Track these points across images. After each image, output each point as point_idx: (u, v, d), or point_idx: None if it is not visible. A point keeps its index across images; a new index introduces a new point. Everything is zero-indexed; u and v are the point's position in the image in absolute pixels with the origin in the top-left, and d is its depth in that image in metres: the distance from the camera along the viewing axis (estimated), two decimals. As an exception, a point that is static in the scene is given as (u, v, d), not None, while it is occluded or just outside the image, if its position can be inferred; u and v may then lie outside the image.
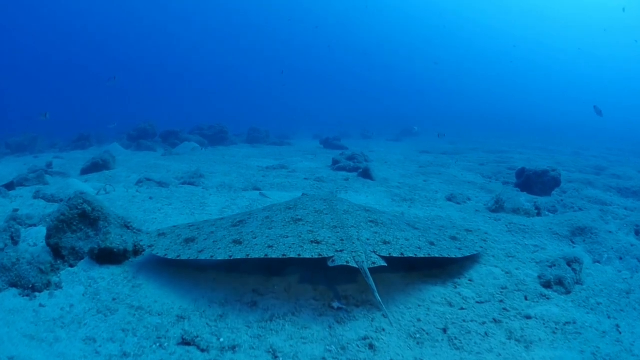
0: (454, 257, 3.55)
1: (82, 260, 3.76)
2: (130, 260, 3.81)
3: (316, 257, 3.04)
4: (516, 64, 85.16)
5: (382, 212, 4.49)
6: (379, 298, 2.82)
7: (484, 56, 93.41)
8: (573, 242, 5.08)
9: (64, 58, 72.92)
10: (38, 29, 73.97)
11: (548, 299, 3.49)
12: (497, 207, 6.40)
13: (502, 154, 16.40)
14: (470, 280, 3.76)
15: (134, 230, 4.07)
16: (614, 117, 47.13)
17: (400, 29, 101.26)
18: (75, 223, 3.79)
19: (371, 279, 2.87)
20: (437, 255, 3.40)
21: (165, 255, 3.36)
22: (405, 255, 3.23)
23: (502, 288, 3.64)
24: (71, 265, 3.74)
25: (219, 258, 3.09)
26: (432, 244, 3.58)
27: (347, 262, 2.98)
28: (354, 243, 3.26)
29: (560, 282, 3.73)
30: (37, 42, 73.42)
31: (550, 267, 4.01)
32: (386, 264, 3.09)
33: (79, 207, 3.76)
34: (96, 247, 3.61)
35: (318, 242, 3.23)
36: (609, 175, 11.91)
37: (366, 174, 8.74)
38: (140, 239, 3.88)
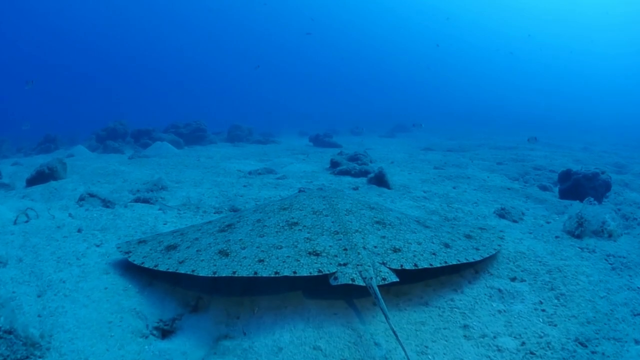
0: (472, 260, 3.10)
1: None
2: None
3: (315, 274, 2.62)
4: (508, 60, 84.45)
5: (389, 209, 3.96)
6: (393, 326, 2.27)
7: (471, 52, 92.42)
8: (670, 274, 3.82)
9: (36, 54, 69.59)
10: (14, 29, 70.31)
11: None
12: (582, 230, 4.61)
13: (513, 150, 14.81)
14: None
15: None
16: (607, 111, 46.67)
17: (388, 25, 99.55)
18: None
19: (382, 300, 2.42)
20: (454, 262, 2.95)
21: (142, 263, 2.96)
22: (420, 267, 2.79)
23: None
24: None
25: (202, 274, 2.64)
26: (447, 245, 3.19)
27: (353, 279, 2.58)
28: (359, 253, 2.83)
29: None
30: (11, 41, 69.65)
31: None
32: (398, 279, 2.68)
33: None
34: None
35: (317, 254, 2.81)
36: (635, 174, 10.90)
37: (380, 181, 6.75)
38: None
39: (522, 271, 3.50)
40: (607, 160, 13.89)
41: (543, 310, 2.96)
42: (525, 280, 3.36)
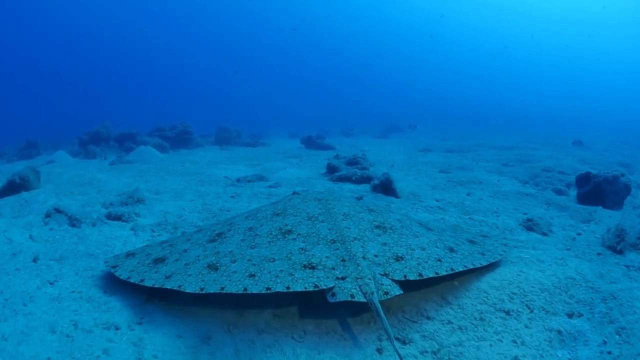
0: (478, 265, 2.93)
1: None
2: None
3: (311, 289, 2.38)
4: (501, 59, 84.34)
5: (389, 211, 3.77)
6: (397, 346, 2.02)
7: (464, 51, 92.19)
8: None
9: (22, 55, 68.19)
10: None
11: None
12: (623, 244, 4.02)
13: (515, 150, 14.29)
14: None
15: None
16: (603, 109, 46.70)
17: (379, 25, 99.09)
18: None
19: (385, 319, 2.16)
20: (460, 269, 2.76)
21: (128, 278, 2.80)
22: (425, 276, 2.55)
23: None
24: None
25: (188, 290, 2.45)
26: (451, 250, 3.02)
27: (352, 295, 2.32)
28: (358, 265, 2.58)
29: None
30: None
31: None
32: (402, 292, 2.45)
33: None
34: None
35: (313, 267, 2.56)
36: (644, 174, 10.57)
37: (387, 189, 6.05)
38: None
39: (576, 302, 2.90)
40: (611, 159, 13.45)
41: (609, 353, 2.47)
42: (582, 315, 2.77)
